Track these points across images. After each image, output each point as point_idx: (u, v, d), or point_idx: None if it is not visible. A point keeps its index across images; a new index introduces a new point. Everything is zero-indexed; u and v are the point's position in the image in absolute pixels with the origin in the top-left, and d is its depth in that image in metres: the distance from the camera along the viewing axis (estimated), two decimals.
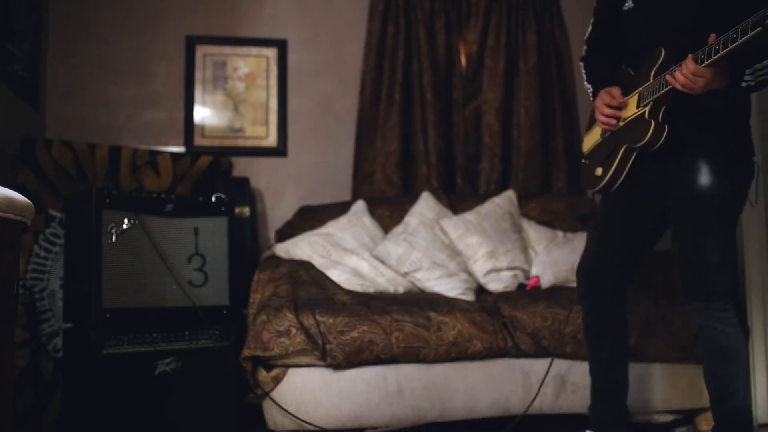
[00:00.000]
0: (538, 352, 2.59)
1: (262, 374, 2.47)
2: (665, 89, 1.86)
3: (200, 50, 3.68)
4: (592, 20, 2.31)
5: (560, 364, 2.62)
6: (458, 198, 3.54)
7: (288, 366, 2.46)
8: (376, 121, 3.74)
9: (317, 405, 2.44)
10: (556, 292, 2.82)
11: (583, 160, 2.30)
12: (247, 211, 3.36)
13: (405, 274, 3.07)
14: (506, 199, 3.43)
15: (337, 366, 2.45)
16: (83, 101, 3.53)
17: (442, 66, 3.82)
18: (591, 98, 2.25)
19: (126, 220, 2.51)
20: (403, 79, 3.75)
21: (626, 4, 2.09)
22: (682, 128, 1.93)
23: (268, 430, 2.54)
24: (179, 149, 3.60)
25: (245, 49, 3.73)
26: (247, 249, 3.32)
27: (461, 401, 2.54)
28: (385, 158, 3.69)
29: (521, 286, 3.05)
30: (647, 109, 1.94)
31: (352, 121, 3.79)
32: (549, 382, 2.60)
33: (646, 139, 1.91)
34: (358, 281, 2.90)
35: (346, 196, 3.73)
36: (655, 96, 1.90)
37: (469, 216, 3.26)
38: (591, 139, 2.28)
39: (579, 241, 3.17)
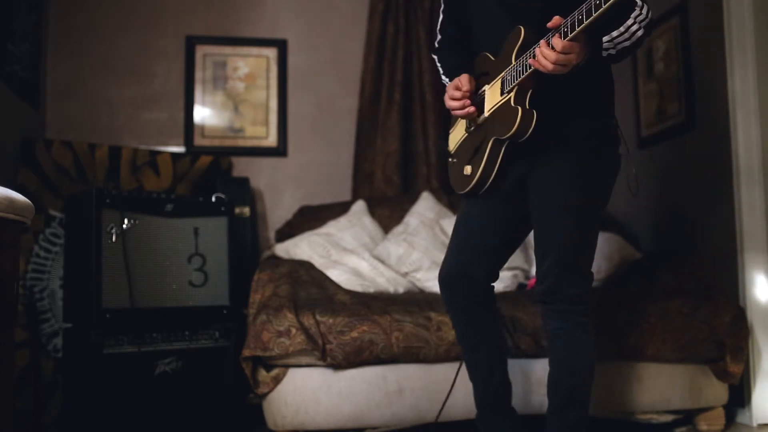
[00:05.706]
0: (538, 353, 2.59)
1: (262, 374, 2.47)
2: (528, 72, 1.70)
3: (200, 50, 3.68)
4: (442, 8, 2.15)
5: None
6: (458, 198, 3.54)
7: (288, 366, 2.45)
8: (376, 121, 3.74)
9: (317, 405, 2.44)
10: None
11: (450, 159, 2.09)
12: (247, 211, 3.35)
13: (405, 274, 3.07)
14: None
15: (337, 366, 2.45)
16: (83, 101, 3.53)
17: None
18: None
19: (126, 220, 2.51)
20: (403, 79, 3.75)
21: None
22: (552, 112, 1.78)
23: (268, 430, 2.53)
24: (179, 149, 3.60)
25: (245, 49, 3.73)
26: (247, 249, 3.32)
27: (461, 401, 2.53)
28: (385, 158, 3.69)
29: (521, 286, 3.05)
30: (512, 95, 1.76)
31: (352, 121, 3.79)
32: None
33: (515, 128, 1.72)
34: (358, 281, 2.90)
35: (346, 196, 3.73)
36: (519, 80, 1.73)
37: None
38: (456, 135, 2.08)
39: None
